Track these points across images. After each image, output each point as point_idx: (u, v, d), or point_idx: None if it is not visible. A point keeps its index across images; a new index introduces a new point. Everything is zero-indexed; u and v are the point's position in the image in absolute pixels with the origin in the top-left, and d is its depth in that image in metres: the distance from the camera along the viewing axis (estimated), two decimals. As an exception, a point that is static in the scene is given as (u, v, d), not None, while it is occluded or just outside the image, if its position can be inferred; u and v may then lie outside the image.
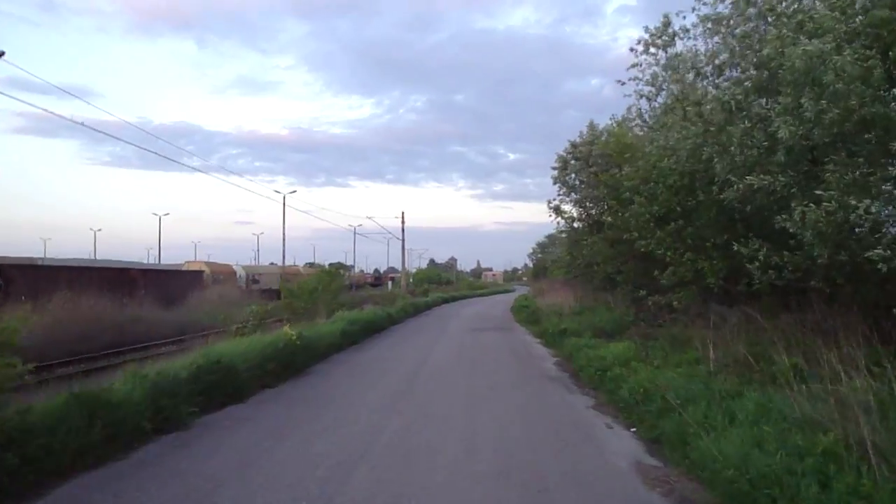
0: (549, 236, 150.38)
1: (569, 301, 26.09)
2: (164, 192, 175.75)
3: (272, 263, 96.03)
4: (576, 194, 25.56)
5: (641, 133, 19.62)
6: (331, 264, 73.84)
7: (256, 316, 15.43)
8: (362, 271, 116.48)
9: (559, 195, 26.27)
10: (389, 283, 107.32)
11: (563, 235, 26.94)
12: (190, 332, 20.57)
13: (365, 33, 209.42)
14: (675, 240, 12.60)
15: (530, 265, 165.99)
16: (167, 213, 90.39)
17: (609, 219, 19.66)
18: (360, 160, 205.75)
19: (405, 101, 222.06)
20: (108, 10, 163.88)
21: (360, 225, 71.66)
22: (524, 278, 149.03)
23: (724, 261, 11.10)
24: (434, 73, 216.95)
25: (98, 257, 65.27)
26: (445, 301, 47.10)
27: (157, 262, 70.15)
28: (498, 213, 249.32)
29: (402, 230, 55.12)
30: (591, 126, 25.45)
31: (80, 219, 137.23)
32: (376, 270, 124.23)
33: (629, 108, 19.05)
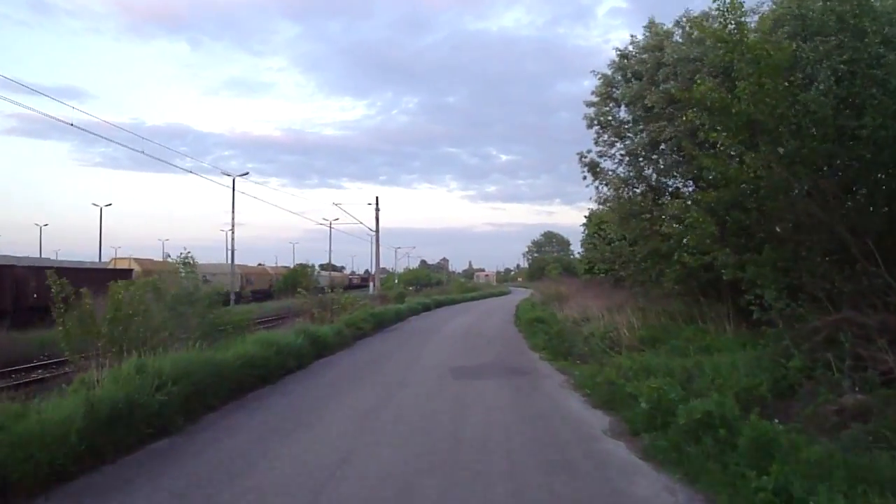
0: (546, 233, 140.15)
1: (611, 311, 16.06)
2: (157, 192, 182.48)
3: (260, 264, 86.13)
4: (627, 140, 15.65)
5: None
6: (299, 264, 63.84)
7: None
8: (353, 272, 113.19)
9: (598, 145, 16.42)
10: (371, 284, 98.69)
11: (605, 208, 16.88)
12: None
13: (357, 35, 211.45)
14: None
15: (525, 265, 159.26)
16: (109, 204, 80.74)
17: (712, 168, 9.98)
18: (353, 161, 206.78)
19: (397, 102, 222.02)
20: (101, 12, 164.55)
21: (337, 219, 61.97)
22: (519, 279, 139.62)
23: None
24: (426, 75, 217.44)
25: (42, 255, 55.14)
26: (427, 308, 37.05)
27: (98, 259, 60.04)
28: (490, 215, 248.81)
29: (377, 220, 45.12)
30: (653, 25, 15.50)
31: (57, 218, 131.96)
32: (366, 271, 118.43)
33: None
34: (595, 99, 16.56)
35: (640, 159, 15.29)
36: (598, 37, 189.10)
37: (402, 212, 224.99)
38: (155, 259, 57.62)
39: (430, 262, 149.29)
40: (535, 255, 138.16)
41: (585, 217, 31.18)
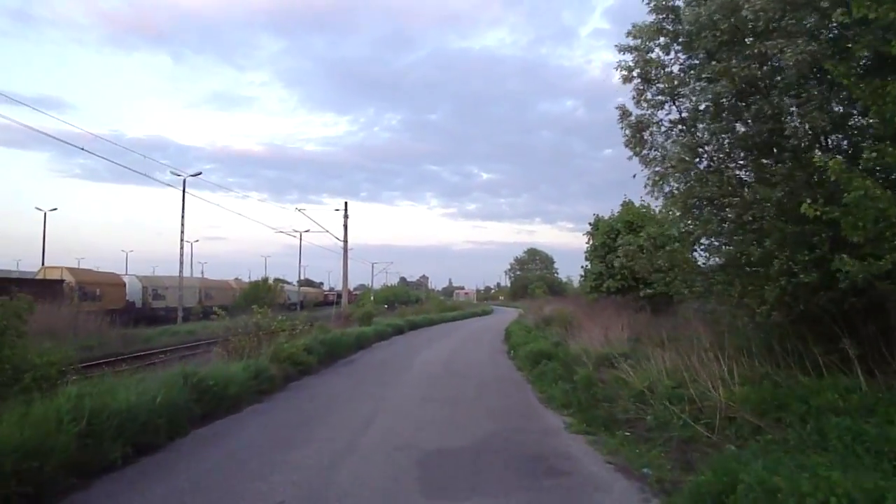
0: (530, 251, 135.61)
1: (661, 346, 10.57)
2: (135, 205, 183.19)
3: (237, 278, 79.39)
4: (688, 97, 10.36)
5: None
6: (271, 278, 57.72)
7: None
8: (332, 289, 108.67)
9: (640, 106, 11.12)
10: (343, 299, 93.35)
11: (661, 193, 11.27)
12: None
13: (341, 51, 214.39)
14: None
15: (507, 283, 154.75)
16: (54, 209, 74.30)
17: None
18: (335, 177, 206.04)
19: (380, 119, 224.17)
20: (84, 23, 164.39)
21: (308, 230, 56.46)
22: (500, 297, 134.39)
23: None
24: (409, 92, 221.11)
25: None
26: (399, 331, 31.24)
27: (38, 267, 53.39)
28: (470, 233, 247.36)
29: (345, 228, 39.61)
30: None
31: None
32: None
33: None
34: (633, 43, 11.32)
35: (721, 118, 9.89)
36: (581, 57, 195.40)
37: (382, 229, 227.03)
38: (99, 270, 51.55)
39: (409, 279, 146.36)
40: (518, 272, 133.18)
41: (590, 226, 26.02)
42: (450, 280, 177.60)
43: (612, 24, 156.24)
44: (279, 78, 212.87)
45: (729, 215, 9.53)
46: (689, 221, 10.44)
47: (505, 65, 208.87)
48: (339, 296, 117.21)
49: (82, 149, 26.08)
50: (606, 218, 25.38)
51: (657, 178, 10.23)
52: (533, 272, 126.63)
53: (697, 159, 9.93)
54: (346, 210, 39.82)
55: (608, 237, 24.18)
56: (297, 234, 43.29)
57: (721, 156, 9.86)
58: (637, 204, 25.06)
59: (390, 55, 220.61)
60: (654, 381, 9.04)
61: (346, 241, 39.57)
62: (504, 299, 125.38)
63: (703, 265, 10.52)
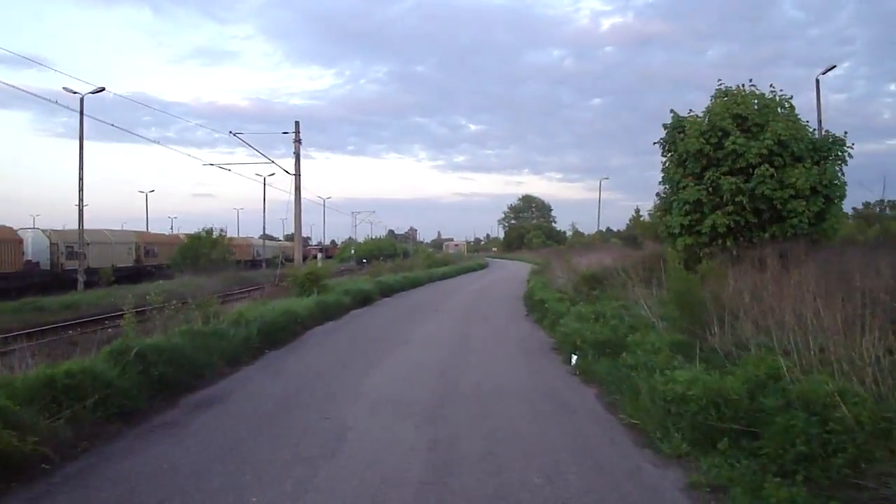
0: (525, 197, 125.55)
1: None
2: (122, 164, 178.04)
3: (191, 233, 68.55)
4: None
5: None
6: (205, 229, 46.64)
7: None
8: (320, 243, 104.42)
9: None
10: (318, 256, 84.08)
11: None
12: None
13: (325, 2, 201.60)
14: None
15: (498, 234, 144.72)
16: None
17: None
18: (321, 131, 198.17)
19: (366, 71, 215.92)
20: None
21: (273, 174, 46.50)
22: (494, 249, 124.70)
23: None
24: (395, 44, 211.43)
25: None
26: (366, 299, 20.73)
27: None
28: (459, 185, 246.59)
29: (297, 156, 29.11)
30: None
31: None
32: (333, 242, 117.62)
33: None
34: None
35: None
36: (569, 5, 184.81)
37: (370, 182, 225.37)
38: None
39: (398, 231, 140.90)
40: (513, 221, 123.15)
41: (664, 130, 15.88)
42: (439, 232, 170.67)
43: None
44: (263, 31, 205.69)
45: None
46: None
47: (492, 14, 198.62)
48: (321, 249, 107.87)
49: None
50: (697, 114, 15.31)
51: None
52: (528, 220, 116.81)
53: None
54: (297, 131, 29.34)
55: (705, 142, 14.18)
56: (228, 168, 32.44)
57: None
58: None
59: (376, 6, 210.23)
60: None
61: (297, 174, 29.16)
62: (498, 251, 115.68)
63: None
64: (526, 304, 19.91)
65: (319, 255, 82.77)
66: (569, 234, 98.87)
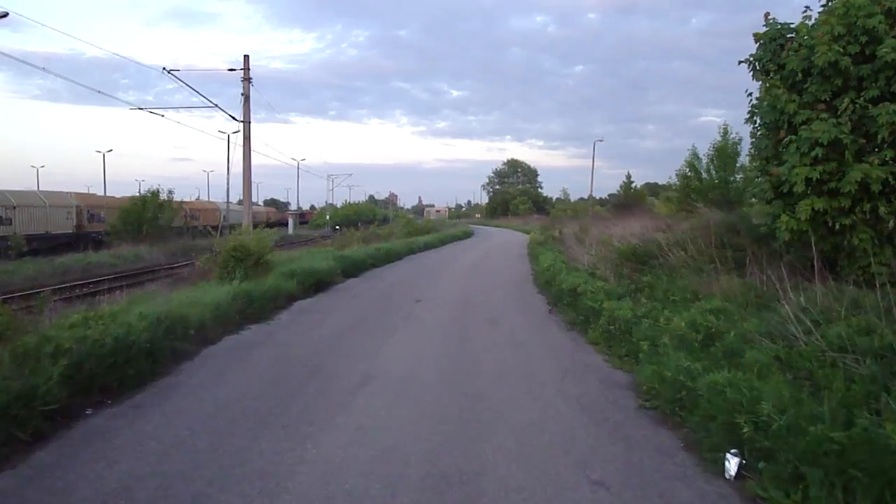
0: (510, 161, 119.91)
1: None
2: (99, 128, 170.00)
3: (124, 197, 61.59)
4: None
5: None
6: (149, 192, 40.24)
7: None
8: (299, 208, 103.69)
9: None
10: (290, 221, 78.71)
11: None
12: None
13: None
14: None
15: (481, 200, 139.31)
16: None
17: None
18: (302, 96, 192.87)
19: (347, 35, 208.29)
20: None
21: (237, 131, 40.42)
22: (477, 215, 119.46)
23: None
24: (377, 7, 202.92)
25: None
26: (319, 285, 14.88)
27: None
28: (440, 151, 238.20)
29: (246, 99, 23.41)
30: None
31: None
32: (312, 207, 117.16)
33: None
34: None
35: None
36: None
37: (351, 147, 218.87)
38: None
39: (378, 196, 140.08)
40: (497, 187, 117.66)
41: (756, 44, 10.72)
42: (419, 198, 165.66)
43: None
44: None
45: None
46: None
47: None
48: (300, 215, 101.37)
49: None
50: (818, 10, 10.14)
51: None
52: (514, 185, 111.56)
53: None
54: (246, 67, 23.58)
55: (842, 51, 9.07)
56: (162, 114, 26.32)
57: None
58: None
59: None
60: None
61: (247, 121, 23.53)
62: (481, 217, 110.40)
63: None
64: (541, 291, 14.81)
65: (291, 221, 76.81)
66: (556, 199, 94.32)
